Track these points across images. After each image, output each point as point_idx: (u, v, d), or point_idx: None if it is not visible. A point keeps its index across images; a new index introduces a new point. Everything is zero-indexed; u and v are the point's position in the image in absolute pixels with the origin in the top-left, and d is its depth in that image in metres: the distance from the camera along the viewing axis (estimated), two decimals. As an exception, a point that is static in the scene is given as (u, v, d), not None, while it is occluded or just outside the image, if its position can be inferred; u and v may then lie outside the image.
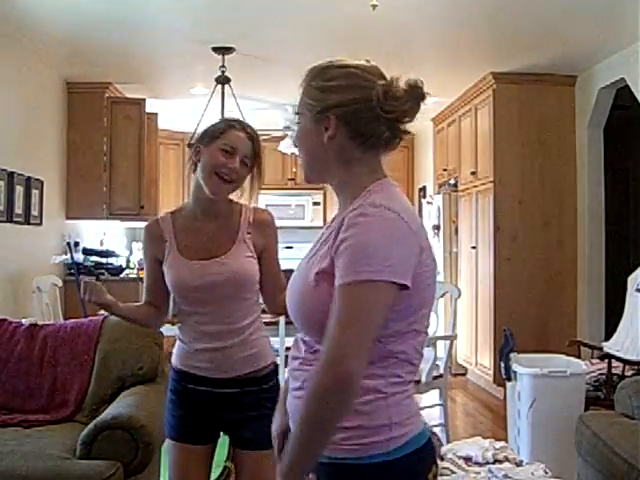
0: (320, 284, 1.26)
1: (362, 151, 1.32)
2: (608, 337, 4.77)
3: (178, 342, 2.09)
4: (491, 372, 5.56)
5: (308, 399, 1.21)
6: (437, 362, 4.18)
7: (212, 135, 2.00)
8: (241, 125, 2.03)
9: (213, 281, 1.97)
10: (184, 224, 2.06)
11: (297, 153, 1.45)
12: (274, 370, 2.10)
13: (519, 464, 2.89)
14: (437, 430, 3.95)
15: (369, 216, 1.23)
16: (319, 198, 8.33)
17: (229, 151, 1.96)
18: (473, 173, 6.00)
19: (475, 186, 6.02)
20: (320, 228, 1.54)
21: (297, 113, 1.38)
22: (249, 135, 2.01)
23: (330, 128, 1.31)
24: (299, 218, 8.25)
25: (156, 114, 6.59)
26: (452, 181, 6.66)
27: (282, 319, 3.87)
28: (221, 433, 2.10)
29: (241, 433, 2.03)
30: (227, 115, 3.27)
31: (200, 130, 2.09)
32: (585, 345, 4.55)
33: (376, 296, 1.20)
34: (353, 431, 1.26)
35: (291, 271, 1.45)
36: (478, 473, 2.75)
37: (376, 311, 1.20)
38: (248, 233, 2.05)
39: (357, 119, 1.30)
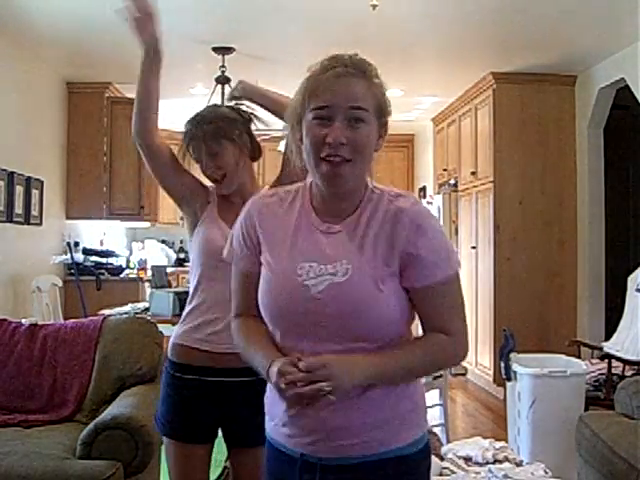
0: (385, 287, 1.28)
1: None
2: (608, 337, 4.76)
3: (186, 319, 2.05)
4: (491, 372, 5.56)
5: (434, 365, 1.44)
6: (437, 362, 4.16)
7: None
8: None
9: None
10: (224, 197, 2.17)
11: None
12: None
13: (519, 464, 2.88)
14: (437, 430, 3.95)
15: (425, 210, 1.33)
16: (319, 198, 8.31)
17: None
18: (473, 173, 6.00)
19: (475, 186, 6.02)
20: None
21: (361, 108, 1.21)
22: None
23: (385, 135, 1.28)
24: (299, 218, 8.22)
25: (156, 114, 6.58)
26: (452, 181, 6.66)
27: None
28: (219, 433, 2.09)
29: (236, 429, 2.02)
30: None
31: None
32: (585, 345, 4.55)
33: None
34: (410, 414, 1.36)
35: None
36: (478, 473, 2.74)
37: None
38: None
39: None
